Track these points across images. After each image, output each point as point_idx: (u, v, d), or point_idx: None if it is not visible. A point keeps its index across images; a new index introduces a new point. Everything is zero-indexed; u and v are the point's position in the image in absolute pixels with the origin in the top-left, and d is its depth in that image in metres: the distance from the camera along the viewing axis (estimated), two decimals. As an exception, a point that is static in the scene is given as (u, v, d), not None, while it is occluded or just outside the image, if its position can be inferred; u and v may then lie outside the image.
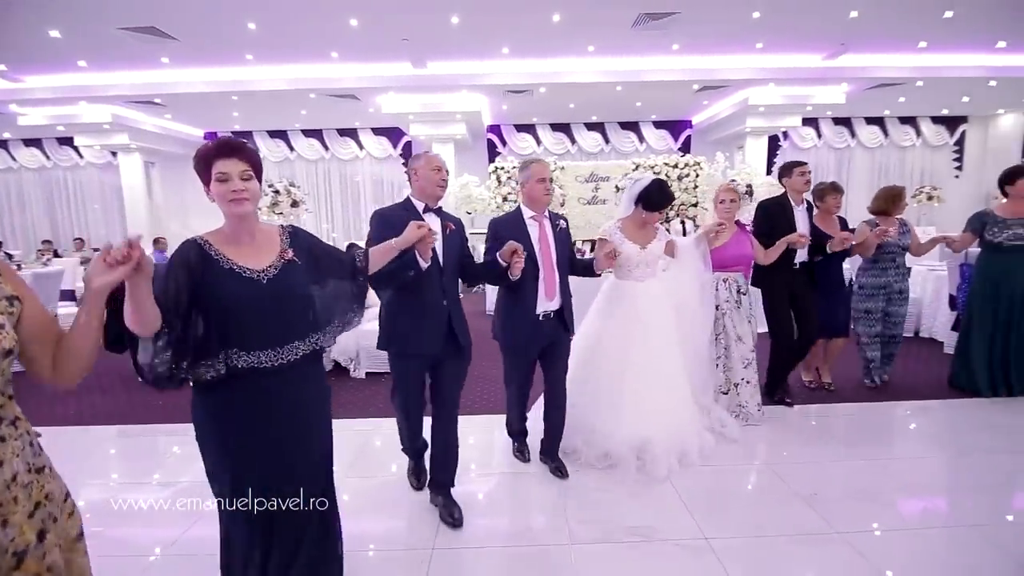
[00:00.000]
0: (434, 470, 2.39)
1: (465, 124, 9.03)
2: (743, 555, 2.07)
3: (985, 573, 1.98)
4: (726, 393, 3.17)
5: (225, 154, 1.34)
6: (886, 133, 10.91)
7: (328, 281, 1.55)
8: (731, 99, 8.92)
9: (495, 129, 10.63)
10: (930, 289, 5.45)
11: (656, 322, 2.75)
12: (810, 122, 10.39)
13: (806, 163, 3.36)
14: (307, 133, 10.80)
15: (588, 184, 8.10)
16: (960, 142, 10.97)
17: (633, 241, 2.71)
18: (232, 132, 10.29)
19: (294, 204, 5.69)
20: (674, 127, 10.65)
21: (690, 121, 10.59)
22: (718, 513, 2.37)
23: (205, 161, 1.34)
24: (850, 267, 4.40)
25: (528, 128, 10.65)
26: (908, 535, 2.21)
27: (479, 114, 8.77)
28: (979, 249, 3.74)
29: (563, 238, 2.59)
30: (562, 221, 2.61)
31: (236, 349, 1.32)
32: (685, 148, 10.54)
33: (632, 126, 10.64)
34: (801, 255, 3.33)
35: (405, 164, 10.60)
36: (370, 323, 2.66)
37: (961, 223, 3.67)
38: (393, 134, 10.61)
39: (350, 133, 10.82)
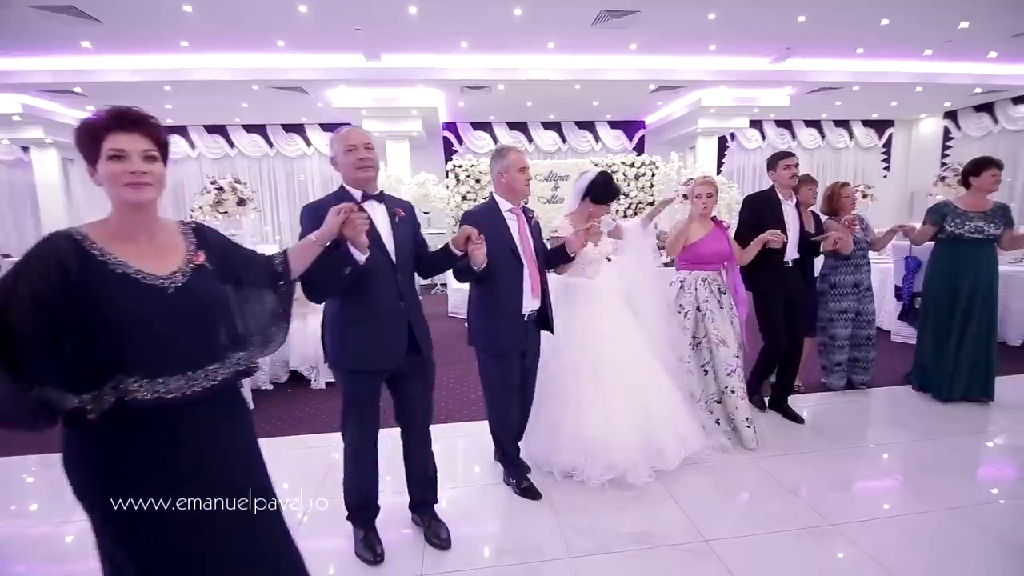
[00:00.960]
0: (415, 492, 2.18)
1: (421, 121, 8.76)
2: (746, 555, 2.03)
3: (967, 552, 2.03)
4: (719, 402, 2.98)
5: (123, 127, 1.07)
6: (823, 135, 11.54)
7: (245, 289, 1.29)
8: (684, 100, 9.13)
9: (451, 127, 10.40)
10: (876, 280, 5.75)
11: (614, 317, 2.69)
12: (755, 124, 10.81)
13: (793, 154, 3.18)
14: (249, 128, 10.15)
15: (547, 183, 8.06)
16: (887, 144, 11.76)
17: None
18: (165, 126, 9.50)
19: (241, 202, 5.26)
20: (628, 127, 10.80)
21: (643, 122, 10.78)
22: (714, 514, 2.33)
23: (92, 134, 1.06)
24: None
25: (485, 126, 10.49)
26: (894, 522, 2.24)
27: (436, 111, 8.52)
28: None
29: (537, 232, 2.47)
30: (535, 214, 2.48)
31: (132, 376, 1.02)
32: (639, 148, 10.71)
33: (588, 125, 10.70)
34: (792, 252, 3.17)
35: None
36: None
37: (891, 221, 3.73)
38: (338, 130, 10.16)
39: (296, 129, 10.26)
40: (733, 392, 2.91)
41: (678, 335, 2.96)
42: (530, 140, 10.65)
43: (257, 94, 7.91)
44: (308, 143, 10.33)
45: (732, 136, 11.00)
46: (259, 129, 10.18)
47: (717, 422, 2.96)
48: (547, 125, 10.63)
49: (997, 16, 6.25)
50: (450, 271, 2.21)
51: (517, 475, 2.52)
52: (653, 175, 8.49)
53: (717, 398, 2.98)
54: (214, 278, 1.20)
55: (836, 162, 11.76)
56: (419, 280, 2.40)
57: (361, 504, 2.03)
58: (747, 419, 2.92)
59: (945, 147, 10.97)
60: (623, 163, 8.47)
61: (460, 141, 10.53)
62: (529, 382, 2.55)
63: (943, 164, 10.99)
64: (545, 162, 8.60)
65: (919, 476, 2.60)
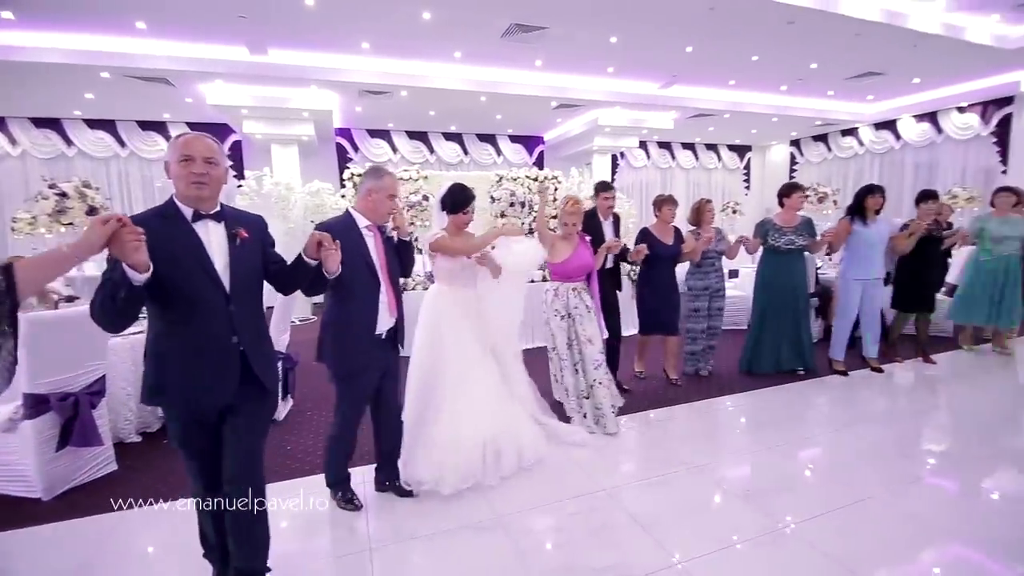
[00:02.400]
0: (235, 557, 1.77)
1: (314, 124, 8.03)
2: (717, 572, 1.99)
3: (910, 537, 2.18)
4: (588, 398, 3.36)
5: None
6: (697, 157, 12.77)
7: None
8: (582, 118, 9.49)
9: (345, 132, 9.72)
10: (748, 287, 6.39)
11: (475, 326, 2.85)
12: (641, 145, 11.60)
13: (612, 187, 4.02)
14: (93, 124, 8.53)
15: (454, 195, 7.82)
16: (747, 166, 13.37)
17: None
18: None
19: (91, 211, 4.27)
20: (528, 142, 10.98)
21: (543, 137, 11.04)
22: (674, 530, 2.28)
23: None
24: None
25: (383, 134, 9.97)
26: (838, 515, 2.36)
27: (330, 114, 7.87)
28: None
29: (392, 248, 2.44)
30: (388, 229, 2.42)
31: None
32: (539, 163, 10.94)
33: (490, 139, 10.68)
34: (609, 261, 3.88)
35: (233, 168, 9.06)
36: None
37: (750, 232, 4.43)
38: (220, 131, 8.96)
39: (156, 127, 8.85)
40: (600, 383, 3.35)
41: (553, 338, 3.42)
42: (431, 151, 10.33)
43: (107, 84, 6.65)
44: (172, 144, 8.95)
45: (622, 155, 11.70)
46: (106, 125, 8.60)
47: (584, 416, 3.35)
48: (448, 136, 10.41)
49: (837, 61, 7.36)
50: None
51: (345, 489, 2.52)
52: (556, 189, 8.65)
53: (586, 393, 3.37)
54: None
55: (708, 181, 13.07)
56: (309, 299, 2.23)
57: (211, 534, 1.83)
58: (612, 405, 3.41)
59: (792, 170, 12.74)
60: (528, 177, 8.52)
61: (356, 148, 9.88)
62: (392, 397, 2.52)
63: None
64: (450, 174, 8.36)
65: (847, 465, 2.80)
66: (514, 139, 10.91)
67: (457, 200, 2.75)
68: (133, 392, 3.30)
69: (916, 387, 4.21)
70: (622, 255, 3.94)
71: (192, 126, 8.90)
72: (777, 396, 3.95)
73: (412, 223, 6.30)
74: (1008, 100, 8.47)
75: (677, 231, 4.11)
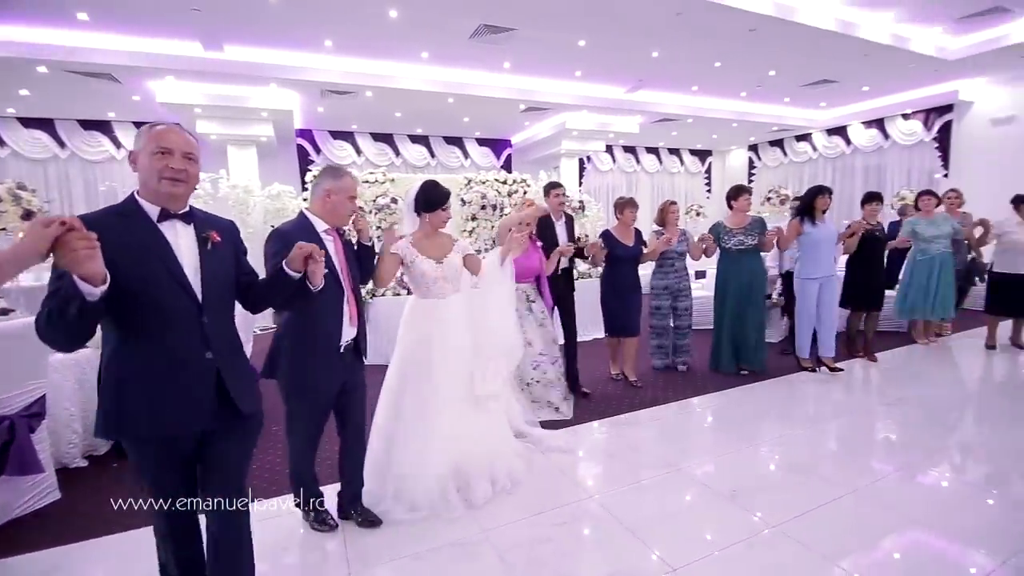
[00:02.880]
0: None
1: (273, 125, 7.71)
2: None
3: (891, 529, 2.22)
4: (522, 391, 3.46)
5: None
6: (660, 161, 13.02)
7: None
8: (550, 121, 9.50)
9: (306, 134, 9.40)
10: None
11: (457, 341, 2.58)
12: (607, 149, 11.74)
13: (561, 185, 3.90)
14: (28, 123, 7.92)
15: (423, 198, 7.66)
16: (709, 171, 13.74)
17: (427, 255, 2.55)
18: None
19: (27, 215, 3.91)
20: (495, 145, 10.92)
21: (510, 141, 11.00)
22: (667, 536, 2.25)
23: None
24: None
25: (346, 135, 9.70)
26: (822, 511, 2.38)
27: (290, 114, 7.58)
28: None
29: (352, 253, 2.29)
30: (346, 232, 2.28)
31: None
32: (506, 166, 10.89)
33: (457, 141, 10.56)
34: (564, 263, 3.82)
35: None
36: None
37: None
38: (169, 132, 8.49)
39: (100, 126, 8.30)
40: (537, 382, 3.53)
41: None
42: (397, 153, 10.13)
43: (45, 80, 6.18)
44: (117, 144, 8.41)
45: (588, 159, 11.80)
46: (44, 124, 8.00)
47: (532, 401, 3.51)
48: (415, 138, 10.23)
49: (794, 68, 7.64)
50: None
51: (318, 511, 2.37)
52: (525, 192, 8.62)
53: (521, 387, 3.47)
54: None
55: (671, 184, 13.35)
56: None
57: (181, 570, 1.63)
58: (562, 396, 3.59)
59: (751, 173, 13.16)
60: (496, 179, 8.46)
61: (318, 150, 9.57)
62: (356, 415, 2.34)
63: (750, 184, 13.24)
64: (415, 176, 8.19)
65: (823, 460, 2.85)
66: (481, 142, 10.83)
67: (432, 198, 2.54)
68: (78, 413, 3.03)
69: (875, 382, 4.35)
70: (578, 253, 3.93)
71: (139, 126, 8.39)
72: (745, 395, 4.00)
73: (379, 227, 6.12)
74: (948, 108, 9.00)
75: (638, 233, 4.19)
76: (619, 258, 4.03)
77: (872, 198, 4.69)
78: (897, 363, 4.84)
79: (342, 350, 2.16)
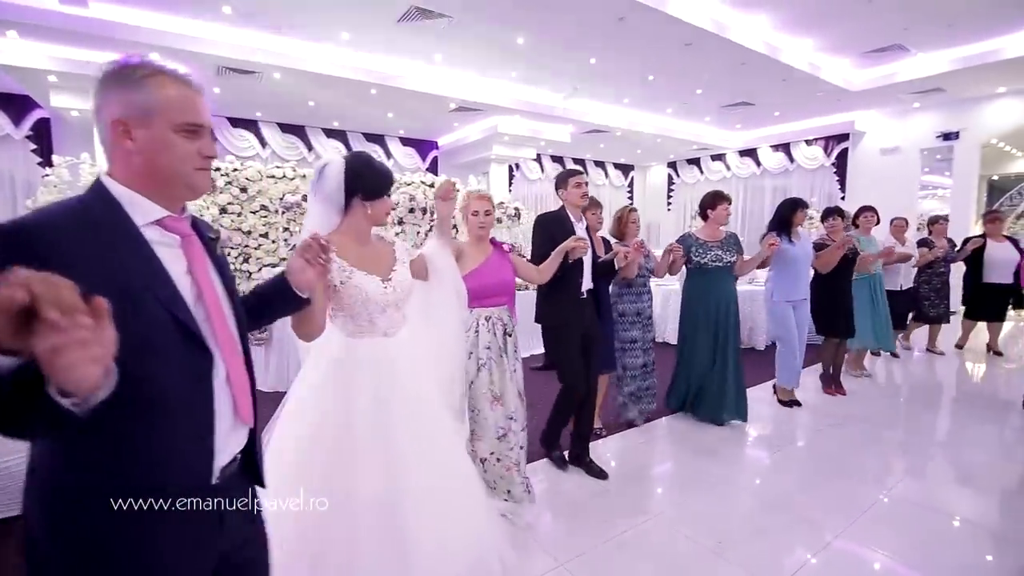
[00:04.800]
0: None
1: (155, 104, 6.48)
2: None
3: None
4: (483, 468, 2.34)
5: None
6: (586, 172, 13.06)
7: None
8: (481, 124, 9.04)
9: (200, 120, 8.13)
10: (659, 301, 6.38)
11: (417, 406, 1.64)
12: (536, 158, 11.51)
13: (583, 171, 2.98)
14: None
15: (340, 198, 6.83)
16: (631, 185, 14.03)
17: (368, 271, 1.58)
18: None
19: None
20: (421, 146, 10.25)
21: (436, 143, 10.39)
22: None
23: None
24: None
25: (249, 123, 8.55)
26: (822, 562, 2.08)
27: (179, 94, 6.41)
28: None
29: (226, 270, 1.26)
30: (220, 236, 1.39)
31: None
32: (432, 169, 10.26)
33: (378, 139, 9.75)
34: (587, 281, 2.83)
35: (38, 153, 7.09)
36: None
37: None
38: (19, 104, 6.91)
39: (-85, 91, 6.56)
40: (498, 460, 2.32)
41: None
42: (309, 147, 9.12)
43: None
44: (-60, 115, 6.69)
45: (518, 166, 11.50)
46: None
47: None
48: (330, 133, 9.29)
49: (719, 88, 7.84)
50: None
51: None
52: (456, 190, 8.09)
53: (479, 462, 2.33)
54: None
55: (597, 195, 13.40)
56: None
57: None
58: (525, 484, 2.39)
59: (670, 190, 13.62)
60: (423, 182, 7.82)
61: (214, 139, 8.31)
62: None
63: (669, 202, 13.69)
64: (334, 174, 7.35)
65: (805, 505, 2.60)
66: (406, 141, 10.11)
67: (378, 176, 1.63)
68: None
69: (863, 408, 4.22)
70: (605, 269, 2.98)
71: (-27, 94, 6.76)
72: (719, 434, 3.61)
73: (286, 228, 5.26)
74: (845, 136, 9.79)
75: (606, 242, 3.35)
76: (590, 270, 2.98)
77: (832, 213, 4.17)
78: (861, 396, 4.30)
79: (216, 479, 0.92)
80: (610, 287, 3.38)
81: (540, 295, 2.80)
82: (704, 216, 3.68)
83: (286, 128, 8.89)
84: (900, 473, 2.94)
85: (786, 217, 3.85)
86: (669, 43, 6.02)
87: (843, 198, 9.87)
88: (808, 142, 10.43)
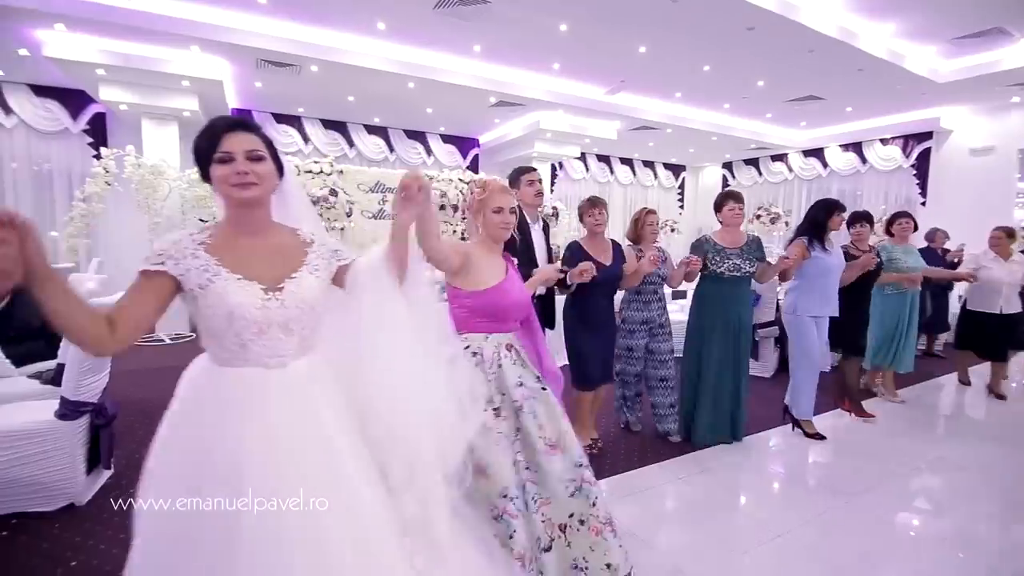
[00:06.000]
0: None
1: (198, 98, 6.55)
2: None
3: None
4: (548, 550, 1.67)
5: None
6: (634, 173, 12.47)
7: None
8: (523, 120, 8.71)
9: (244, 114, 8.22)
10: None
11: (317, 453, 1.13)
12: (581, 157, 11.05)
13: (535, 169, 2.81)
14: None
15: (374, 195, 6.67)
16: (682, 186, 13.30)
17: (244, 275, 1.13)
18: None
19: None
20: (462, 144, 10.04)
21: (477, 140, 10.15)
22: None
23: None
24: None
25: (292, 119, 8.58)
26: None
27: (220, 86, 6.45)
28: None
29: None
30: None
31: None
32: (473, 167, 10.02)
33: (419, 136, 9.60)
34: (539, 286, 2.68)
35: (94, 147, 7.32)
36: None
37: (686, 252, 3.38)
38: (76, 99, 7.17)
39: (-16, 87, 6.89)
40: (583, 523, 1.68)
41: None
42: (351, 144, 9.08)
43: None
44: (7, 109, 7.01)
45: (561, 165, 11.09)
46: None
47: None
48: (371, 129, 9.21)
49: (784, 80, 7.14)
50: None
51: None
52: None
53: (547, 544, 1.66)
54: None
55: (645, 198, 12.81)
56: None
57: None
58: (621, 546, 1.71)
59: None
60: (461, 179, 7.59)
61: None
62: None
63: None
64: (372, 170, 7.23)
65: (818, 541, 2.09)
66: (446, 139, 9.92)
67: (204, 133, 1.16)
68: None
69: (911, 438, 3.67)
70: (560, 282, 2.77)
71: (37, 90, 7.06)
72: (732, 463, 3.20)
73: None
74: (928, 135, 8.78)
75: (617, 247, 3.07)
76: (591, 282, 2.71)
77: (859, 219, 3.83)
78: (892, 422, 3.90)
79: None
80: (620, 293, 3.28)
81: None
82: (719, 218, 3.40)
83: (328, 124, 8.87)
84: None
85: (820, 221, 3.36)
86: (729, 27, 5.46)
87: (924, 203, 8.88)
88: (884, 141, 9.45)
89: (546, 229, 2.96)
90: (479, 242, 1.89)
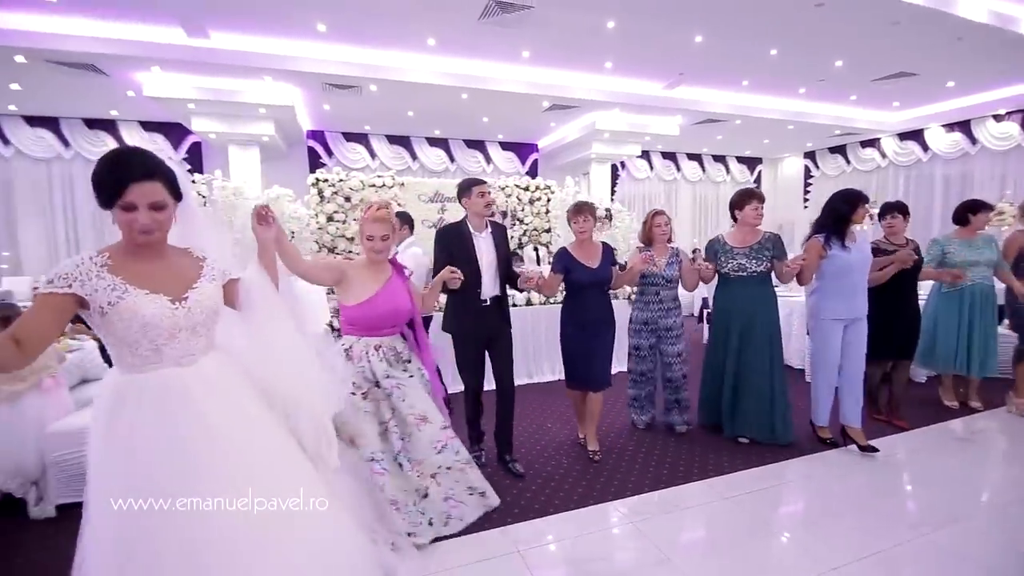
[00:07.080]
0: None
1: (274, 123, 7.14)
2: None
3: None
4: (426, 496, 2.25)
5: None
6: (703, 169, 11.86)
7: None
8: (579, 122, 8.60)
9: (318, 136, 8.85)
10: (782, 315, 5.40)
11: (241, 427, 1.37)
12: (643, 155, 10.71)
13: (485, 182, 2.86)
14: (33, 121, 7.65)
15: (433, 204, 6.88)
16: (758, 180, 12.45)
17: (151, 290, 1.28)
18: None
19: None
20: (521, 150, 10.10)
21: (536, 145, 10.16)
22: None
23: None
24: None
25: (360, 137, 9.10)
26: None
27: (292, 111, 6.97)
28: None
29: None
30: None
31: None
32: (532, 173, 10.04)
33: (478, 145, 9.80)
34: (489, 289, 2.82)
35: (192, 172, 8.18)
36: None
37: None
38: (175, 131, 8.10)
39: (105, 126, 7.96)
40: (449, 468, 2.31)
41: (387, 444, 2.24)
42: (414, 157, 9.46)
43: (27, 71, 5.78)
44: (121, 144, 8.08)
45: (623, 165, 10.81)
46: (48, 123, 7.73)
47: (431, 523, 2.23)
48: (433, 142, 9.53)
49: (867, 57, 6.46)
50: None
51: None
52: (548, 200, 7.74)
53: (425, 491, 2.25)
54: None
55: (716, 195, 12.15)
56: None
57: None
58: (480, 482, 2.43)
59: (807, 184, 11.82)
60: (517, 186, 7.63)
61: (330, 153, 9.00)
62: None
63: (806, 198, 11.88)
64: (430, 181, 7.47)
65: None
66: (505, 146, 10.02)
67: (102, 177, 1.24)
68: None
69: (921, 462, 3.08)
70: (511, 280, 2.96)
71: (145, 125, 8.06)
72: (755, 482, 2.81)
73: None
74: (1055, 106, 7.57)
75: (607, 251, 3.07)
76: (579, 285, 3.00)
77: (891, 209, 3.53)
78: (934, 437, 3.43)
79: None
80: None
81: (446, 303, 2.94)
82: (734, 217, 3.30)
83: (393, 139, 9.30)
84: None
85: (843, 214, 3.05)
86: (793, 4, 5.05)
87: (1051, 186, 7.65)
88: (997, 117, 8.28)
89: (498, 232, 2.91)
90: (361, 260, 2.29)
